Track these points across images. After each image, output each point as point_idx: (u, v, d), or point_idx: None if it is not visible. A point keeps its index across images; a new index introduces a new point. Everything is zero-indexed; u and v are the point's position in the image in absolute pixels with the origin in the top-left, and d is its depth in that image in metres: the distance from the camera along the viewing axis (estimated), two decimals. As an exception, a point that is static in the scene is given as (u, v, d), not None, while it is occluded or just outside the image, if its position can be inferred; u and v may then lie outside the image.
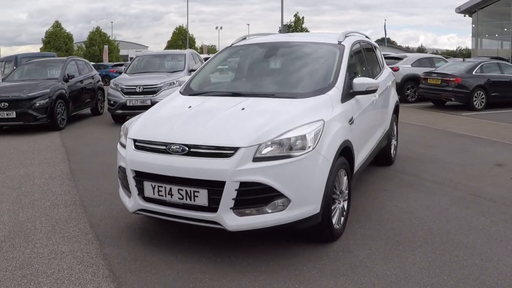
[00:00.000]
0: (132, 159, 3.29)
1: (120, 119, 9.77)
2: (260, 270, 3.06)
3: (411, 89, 13.76)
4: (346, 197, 3.70)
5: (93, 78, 11.85)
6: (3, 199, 4.70)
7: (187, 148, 3.07)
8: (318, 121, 3.23)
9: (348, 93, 3.90)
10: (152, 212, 3.27)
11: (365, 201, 4.47)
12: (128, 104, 9.73)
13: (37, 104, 8.86)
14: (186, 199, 3.06)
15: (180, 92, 4.27)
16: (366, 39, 5.46)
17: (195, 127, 3.23)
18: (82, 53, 53.69)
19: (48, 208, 4.41)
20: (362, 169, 4.52)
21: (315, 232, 3.36)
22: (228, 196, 2.94)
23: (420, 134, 8.38)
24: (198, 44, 64.22)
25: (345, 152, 3.60)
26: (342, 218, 3.62)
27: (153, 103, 7.87)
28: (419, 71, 13.22)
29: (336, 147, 3.31)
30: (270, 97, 3.70)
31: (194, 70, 10.34)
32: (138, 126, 3.50)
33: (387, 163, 5.85)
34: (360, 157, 4.15)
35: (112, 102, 9.96)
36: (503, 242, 3.43)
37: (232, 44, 4.99)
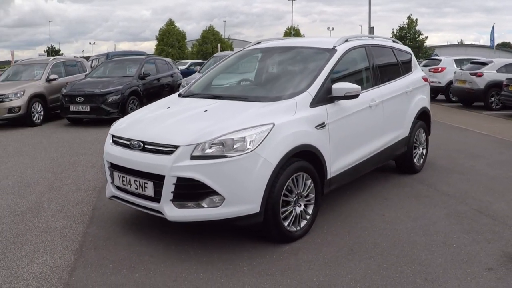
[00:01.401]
0: (108, 151, 3.74)
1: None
2: (200, 260, 3.27)
3: (495, 96, 12.45)
4: (312, 202, 3.71)
5: (172, 76, 12.88)
6: (41, 182, 5.53)
7: (142, 144, 3.42)
8: (266, 125, 3.33)
9: (326, 98, 3.89)
10: (120, 199, 3.68)
11: (356, 207, 4.36)
12: None
13: (110, 100, 9.97)
14: (140, 189, 3.41)
15: (180, 93, 4.63)
16: (384, 43, 5.28)
17: (154, 126, 3.57)
18: (196, 50, 57.15)
19: (71, 191, 5.10)
20: (355, 175, 4.43)
21: (263, 231, 3.45)
22: (168, 189, 3.21)
23: (477, 143, 7.67)
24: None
25: (308, 156, 3.62)
26: (304, 222, 3.65)
27: None
28: (505, 77, 11.89)
29: (285, 150, 3.35)
30: (242, 100, 3.87)
31: None
32: (119, 123, 3.94)
33: (409, 171, 5.55)
34: (342, 162, 4.07)
35: None
36: (465, 264, 3.15)
37: (243, 48, 5.23)
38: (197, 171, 3.14)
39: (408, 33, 43.85)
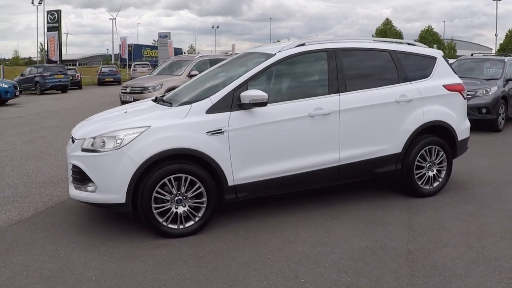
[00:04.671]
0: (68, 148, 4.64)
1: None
2: (91, 236, 3.88)
3: None
4: (204, 205, 3.84)
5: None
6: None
7: (72, 137, 4.21)
8: (141, 127, 3.68)
9: (235, 105, 3.90)
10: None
11: (282, 220, 4.16)
12: None
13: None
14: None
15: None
16: (375, 46, 4.67)
17: (83, 124, 4.31)
18: None
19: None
20: (289, 187, 4.28)
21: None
22: (69, 172, 3.94)
23: None
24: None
25: (197, 159, 3.77)
26: (191, 222, 3.83)
27: None
28: None
29: (155, 151, 3.62)
30: (166, 104, 4.23)
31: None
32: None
33: (413, 194, 4.76)
34: (257, 171, 3.97)
35: None
36: None
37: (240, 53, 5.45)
38: (80, 161, 3.78)
39: None
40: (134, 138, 3.65)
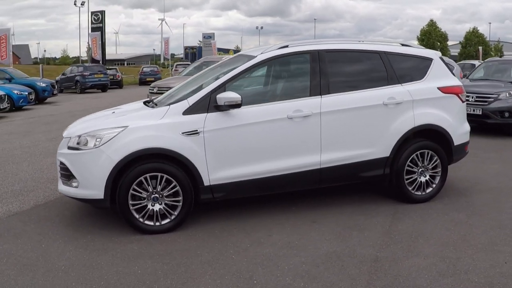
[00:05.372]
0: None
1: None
2: (76, 227, 4.11)
3: None
4: (180, 203, 3.94)
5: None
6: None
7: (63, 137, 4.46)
8: (119, 127, 3.85)
9: (212, 106, 3.98)
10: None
11: (263, 221, 4.19)
12: None
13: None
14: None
15: None
16: (364, 48, 4.58)
17: (74, 124, 4.54)
18: (458, 52, 55.55)
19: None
20: (268, 189, 4.30)
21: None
22: (58, 168, 4.17)
23: None
24: None
25: (174, 159, 3.88)
26: (167, 220, 3.95)
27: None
28: None
29: (131, 150, 3.77)
30: (151, 107, 4.38)
31: None
32: None
33: (404, 199, 4.62)
34: (233, 172, 4.03)
35: None
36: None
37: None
38: (65, 158, 4.01)
39: None
40: (112, 137, 3.82)
